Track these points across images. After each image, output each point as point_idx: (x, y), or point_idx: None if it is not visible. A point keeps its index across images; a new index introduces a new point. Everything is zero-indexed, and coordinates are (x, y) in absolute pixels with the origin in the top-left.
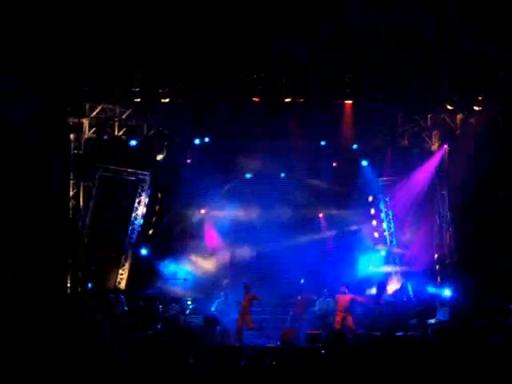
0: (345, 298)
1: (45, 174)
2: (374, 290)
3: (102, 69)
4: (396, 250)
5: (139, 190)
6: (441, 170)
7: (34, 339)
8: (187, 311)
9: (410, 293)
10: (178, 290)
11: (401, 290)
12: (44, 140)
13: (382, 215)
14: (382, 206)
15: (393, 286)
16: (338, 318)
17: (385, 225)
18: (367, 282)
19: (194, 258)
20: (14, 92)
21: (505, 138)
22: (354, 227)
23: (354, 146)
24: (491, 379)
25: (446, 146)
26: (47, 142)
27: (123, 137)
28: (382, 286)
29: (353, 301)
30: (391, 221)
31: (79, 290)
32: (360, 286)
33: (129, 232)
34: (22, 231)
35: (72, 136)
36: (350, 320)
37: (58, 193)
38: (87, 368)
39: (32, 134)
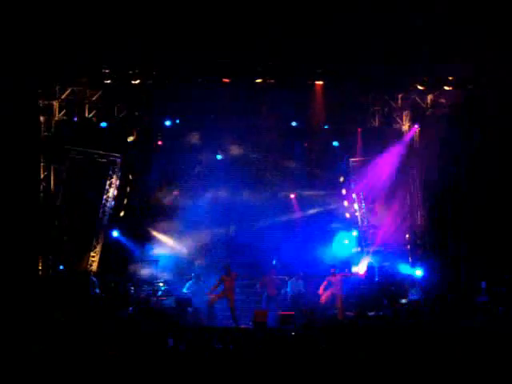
0: (336, 278)
1: (15, 156)
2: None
3: (71, 51)
4: (367, 231)
5: (110, 172)
6: (411, 150)
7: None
8: (159, 293)
9: (375, 273)
10: (149, 271)
11: (372, 270)
12: (14, 122)
13: (354, 196)
14: (353, 187)
15: (364, 267)
16: (329, 293)
17: (356, 205)
18: (338, 262)
19: (165, 239)
20: None
21: (475, 117)
22: (325, 208)
23: (326, 127)
24: (461, 356)
25: (416, 126)
26: (17, 125)
27: (94, 119)
28: (345, 267)
29: (344, 279)
30: (362, 201)
31: (50, 272)
32: (331, 266)
33: (100, 214)
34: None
35: (42, 118)
36: (339, 299)
37: (28, 175)
38: (62, 351)
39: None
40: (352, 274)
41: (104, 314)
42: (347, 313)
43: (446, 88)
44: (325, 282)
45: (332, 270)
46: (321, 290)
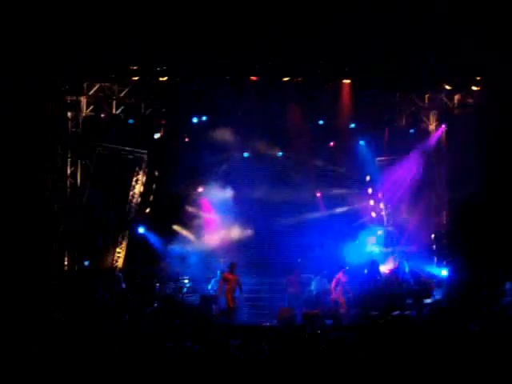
0: (345, 278)
1: (42, 152)
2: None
3: (100, 47)
4: (393, 230)
5: (137, 169)
6: (438, 150)
7: (31, 318)
8: (184, 290)
9: (407, 271)
10: (175, 268)
11: (397, 269)
12: (41, 118)
13: (380, 195)
14: (379, 186)
15: (389, 266)
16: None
17: (382, 204)
18: (364, 261)
19: (191, 236)
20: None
21: (502, 118)
22: (351, 207)
23: (352, 126)
24: (484, 359)
25: (443, 126)
26: (45, 121)
27: (121, 115)
28: (374, 266)
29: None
30: (388, 200)
31: (76, 268)
32: (357, 266)
33: (126, 210)
34: (19, 210)
35: (70, 114)
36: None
37: (55, 171)
38: (84, 347)
39: (31, 112)
40: (377, 273)
41: (129, 309)
42: (371, 312)
43: (474, 88)
44: (335, 280)
45: (344, 270)
46: (332, 288)
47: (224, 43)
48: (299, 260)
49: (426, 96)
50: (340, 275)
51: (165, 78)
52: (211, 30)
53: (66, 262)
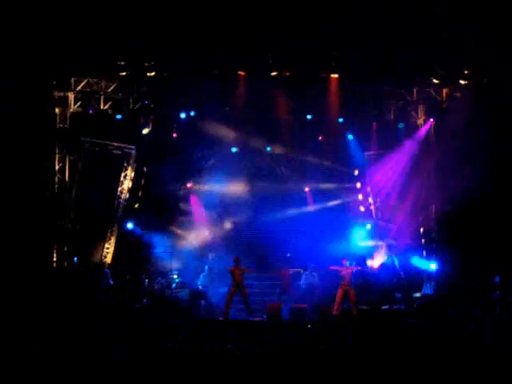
0: (347, 271)
1: (30, 148)
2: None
3: (87, 42)
4: (382, 224)
5: (125, 164)
6: (426, 143)
7: (21, 314)
8: (173, 285)
9: (397, 266)
10: (163, 263)
11: (387, 264)
12: (29, 114)
13: (368, 189)
14: (367, 180)
15: (378, 260)
16: (341, 292)
17: (370, 199)
18: (353, 255)
19: (179, 231)
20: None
21: (490, 111)
22: (339, 201)
23: (340, 120)
24: (474, 352)
25: (431, 120)
26: (32, 117)
27: (109, 111)
28: (361, 260)
29: (354, 274)
30: (377, 195)
31: (65, 264)
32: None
33: (115, 206)
34: (6, 205)
35: (57, 110)
36: (352, 294)
37: (44, 167)
38: (75, 342)
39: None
40: (364, 267)
41: (117, 305)
42: (361, 306)
43: (462, 82)
44: (341, 291)
45: (344, 262)
46: (338, 298)
47: (212, 38)
48: (288, 254)
49: (414, 90)
50: (342, 269)
51: (152, 74)
52: (198, 24)
53: (54, 259)
